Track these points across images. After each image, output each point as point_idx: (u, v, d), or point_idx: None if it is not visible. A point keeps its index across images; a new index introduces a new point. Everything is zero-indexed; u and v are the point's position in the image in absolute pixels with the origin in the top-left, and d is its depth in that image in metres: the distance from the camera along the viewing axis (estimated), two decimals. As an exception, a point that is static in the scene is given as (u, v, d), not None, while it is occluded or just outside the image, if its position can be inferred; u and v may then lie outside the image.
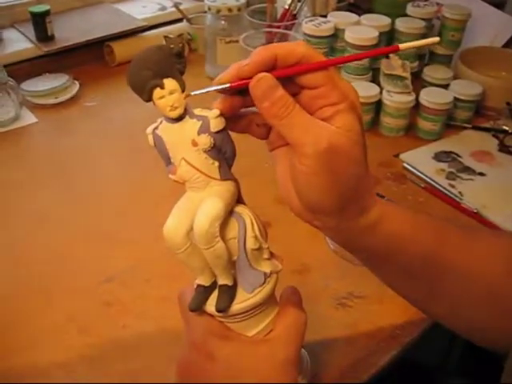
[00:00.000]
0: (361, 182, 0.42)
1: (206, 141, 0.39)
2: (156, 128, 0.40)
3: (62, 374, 0.57)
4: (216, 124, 0.39)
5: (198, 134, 0.39)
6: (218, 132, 0.39)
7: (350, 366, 0.57)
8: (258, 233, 0.42)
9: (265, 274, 0.43)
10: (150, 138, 0.40)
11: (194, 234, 0.39)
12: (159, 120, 0.40)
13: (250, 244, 0.41)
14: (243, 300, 0.42)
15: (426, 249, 0.45)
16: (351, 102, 0.40)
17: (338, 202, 0.40)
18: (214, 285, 0.42)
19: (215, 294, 0.42)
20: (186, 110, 0.39)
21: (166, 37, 0.38)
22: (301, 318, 0.45)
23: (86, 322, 0.62)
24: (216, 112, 0.39)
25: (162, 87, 0.37)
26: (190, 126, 0.39)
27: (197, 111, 0.39)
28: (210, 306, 0.42)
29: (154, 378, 0.56)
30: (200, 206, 0.39)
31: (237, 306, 0.42)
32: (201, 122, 0.39)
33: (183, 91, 0.38)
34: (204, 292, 0.42)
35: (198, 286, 0.43)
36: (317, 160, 0.38)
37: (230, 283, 0.42)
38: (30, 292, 0.66)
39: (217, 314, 0.42)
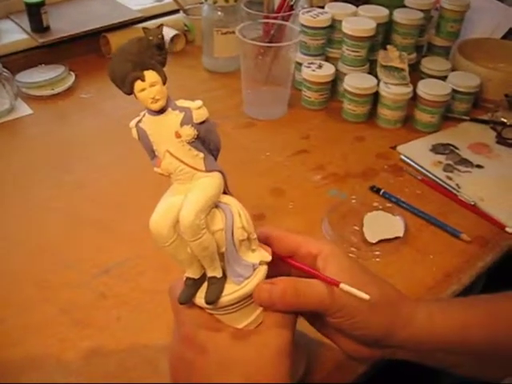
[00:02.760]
0: (387, 292, 0.47)
1: (189, 132, 0.38)
2: (139, 121, 0.40)
3: (56, 367, 0.56)
4: (199, 115, 0.38)
5: (181, 125, 0.38)
6: (201, 123, 0.39)
7: (347, 358, 0.57)
8: (245, 223, 0.41)
9: (253, 265, 0.43)
10: (134, 131, 0.40)
11: (180, 227, 0.39)
12: (142, 113, 0.40)
13: (238, 235, 0.41)
14: (232, 291, 0.42)
15: (482, 337, 0.47)
16: (330, 248, 0.46)
17: (386, 323, 0.45)
18: (203, 277, 0.42)
19: (205, 286, 0.42)
20: (168, 101, 0.38)
21: (144, 28, 0.38)
22: (291, 314, 0.45)
23: (81, 314, 0.62)
24: (198, 103, 0.39)
25: (143, 79, 0.37)
26: (173, 117, 0.38)
27: (179, 102, 0.39)
28: (200, 298, 0.42)
29: (148, 370, 0.56)
30: (185, 198, 0.39)
31: (226, 297, 0.42)
32: (183, 114, 0.38)
33: (164, 83, 0.38)
34: (193, 285, 0.42)
35: (187, 278, 0.42)
36: (341, 302, 0.43)
37: (218, 275, 0.42)
38: (25, 284, 0.65)
39: (206, 306, 0.42)
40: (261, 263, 0.43)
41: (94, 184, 0.82)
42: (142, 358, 0.57)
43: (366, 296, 0.42)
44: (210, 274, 0.42)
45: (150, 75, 0.37)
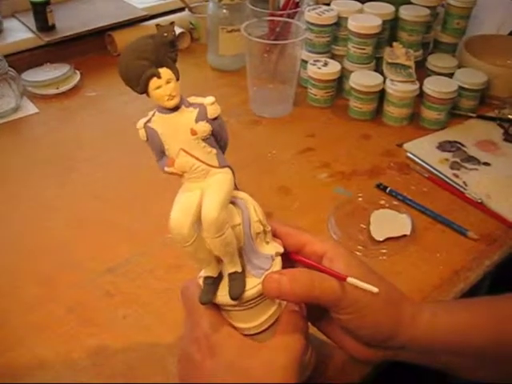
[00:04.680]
0: (390, 293, 0.46)
1: (204, 128, 0.38)
2: (148, 121, 0.39)
3: (63, 366, 0.56)
4: (213, 110, 0.38)
5: (196, 121, 0.38)
6: (214, 119, 0.39)
7: (351, 359, 0.57)
8: (261, 217, 0.42)
9: (271, 256, 0.43)
10: (142, 132, 0.39)
11: (203, 224, 0.38)
12: (150, 113, 0.39)
13: (255, 228, 0.42)
14: (255, 285, 0.42)
15: (486, 339, 0.47)
16: (336, 248, 0.46)
17: (392, 323, 0.45)
18: (220, 276, 0.42)
19: (223, 284, 0.42)
20: (180, 99, 0.38)
21: (157, 25, 0.38)
22: (303, 327, 0.45)
23: (88, 313, 0.62)
24: (211, 99, 0.39)
25: (159, 77, 0.37)
26: (187, 114, 0.38)
27: (191, 99, 0.39)
28: (221, 296, 0.42)
29: (154, 368, 0.56)
30: (204, 195, 0.39)
31: (249, 291, 0.42)
32: (198, 110, 0.38)
33: (178, 80, 0.38)
34: (213, 283, 0.42)
35: (207, 277, 0.42)
36: (352, 297, 0.43)
37: (239, 270, 0.42)
38: (31, 282, 0.66)
39: (231, 302, 0.42)
40: (276, 254, 0.44)
41: (99, 182, 0.82)
42: (149, 357, 0.57)
43: (374, 289, 0.42)
44: (230, 269, 0.42)
45: (165, 72, 0.37)
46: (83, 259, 0.69)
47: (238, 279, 0.42)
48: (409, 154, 0.88)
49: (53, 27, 1.11)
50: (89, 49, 1.15)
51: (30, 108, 0.99)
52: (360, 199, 0.78)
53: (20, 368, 0.56)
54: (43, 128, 0.95)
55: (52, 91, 1.03)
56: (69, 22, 1.14)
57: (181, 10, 1.26)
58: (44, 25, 1.10)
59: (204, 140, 0.39)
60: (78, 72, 1.07)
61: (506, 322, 0.47)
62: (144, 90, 0.37)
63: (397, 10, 1.01)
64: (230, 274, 0.42)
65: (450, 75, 0.98)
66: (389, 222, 0.74)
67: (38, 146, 0.91)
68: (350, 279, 0.42)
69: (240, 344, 0.42)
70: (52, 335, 0.59)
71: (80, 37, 1.12)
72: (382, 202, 0.77)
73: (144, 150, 0.41)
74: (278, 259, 0.44)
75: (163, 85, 0.37)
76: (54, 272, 0.67)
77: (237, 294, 0.41)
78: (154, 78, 0.37)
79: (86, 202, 0.78)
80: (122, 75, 0.37)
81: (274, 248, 0.44)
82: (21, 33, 1.11)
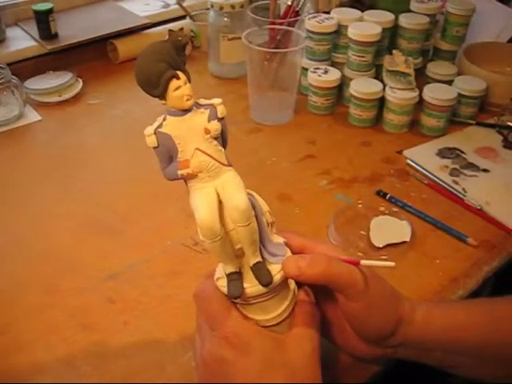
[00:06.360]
0: (393, 291, 0.49)
1: (217, 127, 0.40)
2: (159, 127, 0.40)
3: (64, 370, 0.57)
4: (222, 110, 0.41)
5: (209, 121, 0.40)
6: (222, 118, 0.41)
7: (353, 362, 0.57)
8: (268, 208, 0.44)
9: (283, 244, 0.45)
10: (153, 138, 0.40)
11: (234, 215, 0.40)
12: (160, 119, 0.40)
13: (267, 218, 0.44)
14: (278, 271, 0.44)
15: (481, 337, 0.48)
16: (335, 250, 0.47)
17: (395, 318, 0.47)
18: (240, 271, 0.44)
19: (245, 279, 0.44)
20: None
21: (170, 30, 0.39)
22: (318, 316, 0.47)
23: (89, 319, 0.62)
24: (219, 100, 0.41)
25: (178, 78, 0.38)
26: (200, 114, 0.40)
27: (200, 101, 0.41)
28: (249, 288, 0.43)
29: (155, 374, 0.56)
30: (225, 189, 0.41)
31: (275, 277, 0.43)
32: (209, 110, 0.40)
33: (189, 82, 0.39)
34: (238, 278, 0.43)
35: (230, 274, 0.43)
36: (367, 289, 0.44)
37: (261, 260, 0.43)
38: (33, 289, 0.66)
39: (259, 291, 0.43)
40: (284, 243, 0.46)
41: (101, 189, 0.83)
42: (150, 362, 0.57)
43: (391, 264, 0.44)
44: (254, 260, 0.43)
45: (182, 74, 0.39)
46: (85, 266, 0.69)
47: (262, 268, 0.43)
48: (408, 161, 0.89)
49: (55, 35, 1.12)
50: (91, 57, 1.16)
51: (32, 116, 1.00)
52: (360, 206, 0.79)
53: (23, 372, 0.57)
54: (46, 135, 0.96)
55: (55, 99, 1.04)
56: (71, 30, 1.15)
57: (182, 17, 1.27)
58: (47, 33, 1.11)
59: (215, 139, 0.40)
60: (80, 80, 1.08)
61: (500, 322, 0.48)
62: (162, 93, 0.38)
63: (396, 18, 1.02)
64: (254, 265, 0.43)
65: (450, 82, 0.98)
66: (389, 229, 0.74)
67: (41, 153, 0.92)
68: (363, 261, 0.44)
69: (270, 338, 0.43)
70: (54, 340, 0.60)
71: (82, 45, 1.13)
72: (382, 209, 0.78)
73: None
74: (287, 248, 0.46)
75: (182, 85, 0.38)
76: (56, 278, 0.67)
77: (267, 281, 0.43)
78: (174, 80, 0.38)
79: (88, 209, 0.79)
80: (141, 78, 0.38)
81: (280, 238, 0.46)
82: (24, 41, 1.12)
